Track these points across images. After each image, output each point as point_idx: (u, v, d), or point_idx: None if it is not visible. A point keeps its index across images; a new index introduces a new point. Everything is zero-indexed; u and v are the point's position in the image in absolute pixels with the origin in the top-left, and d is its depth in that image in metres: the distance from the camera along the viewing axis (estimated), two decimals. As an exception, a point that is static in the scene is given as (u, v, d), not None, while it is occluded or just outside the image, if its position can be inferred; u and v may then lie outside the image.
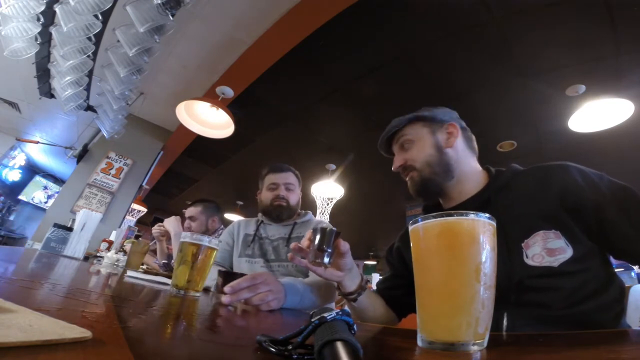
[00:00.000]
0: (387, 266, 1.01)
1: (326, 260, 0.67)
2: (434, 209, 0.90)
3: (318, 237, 0.68)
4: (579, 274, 0.63)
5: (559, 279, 0.63)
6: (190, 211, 2.11)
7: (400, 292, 0.92)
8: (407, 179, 0.88)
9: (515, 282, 0.65)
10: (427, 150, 0.85)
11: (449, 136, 0.86)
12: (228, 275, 0.76)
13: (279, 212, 1.39)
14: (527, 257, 0.66)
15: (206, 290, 1.07)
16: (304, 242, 0.71)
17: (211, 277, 1.08)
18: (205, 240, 0.79)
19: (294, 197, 1.44)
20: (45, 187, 6.74)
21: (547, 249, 0.64)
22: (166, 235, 2.01)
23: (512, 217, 0.70)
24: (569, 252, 0.63)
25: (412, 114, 0.90)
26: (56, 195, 6.12)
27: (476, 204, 0.78)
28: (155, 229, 2.01)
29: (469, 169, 0.85)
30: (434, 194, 0.86)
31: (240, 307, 0.69)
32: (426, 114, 0.89)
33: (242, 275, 0.75)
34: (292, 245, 0.72)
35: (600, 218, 0.63)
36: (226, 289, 0.68)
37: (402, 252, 0.93)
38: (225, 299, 0.67)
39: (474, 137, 0.91)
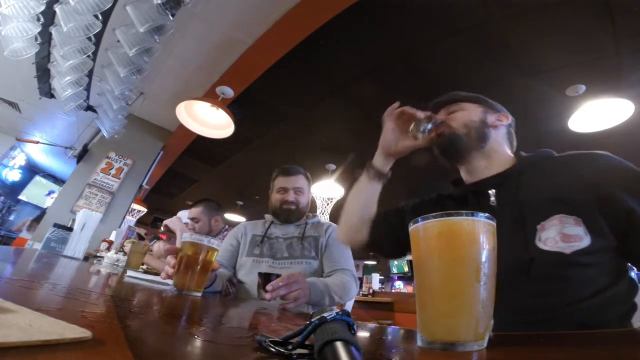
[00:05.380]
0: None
1: None
2: (457, 185, 0.88)
3: None
4: (591, 267, 0.60)
5: (568, 269, 0.60)
6: (192, 212, 2.11)
7: (399, 224, 0.87)
8: (435, 134, 0.82)
9: (523, 262, 0.63)
10: (471, 117, 0.83)
11: (497, 120, 0.86)
12: (267, 277, 0.88)
13: (288, 215, 1.43)
14: (539, 239, 0.63)
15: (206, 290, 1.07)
16: None
17: (210, 277, 1.08)
18: (205, 241, 0.79)
19: (304, 200, 1.48)
20: (52, 192, 6.66)
21: (562, 234, 0.61)
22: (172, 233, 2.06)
23: (532, 197, 0.68)
24: (585, 242, 0.60)
25: (475, 95, 0.90)
26: (54, 194, 6.12)
27: (497, 181, 0.76)
28: (165, 230, 2.07)
29: (501, 150, 0.83)
30: (459, 154, 0.82)
31: (240, 307, 0.69)
32: (488, 100, 0.89)
33: (278, 276, 0.88)
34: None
35: (632, 211, 0.59)
36: (268, 287, 0.83)
37: (406, 213, 0.89)
38: (267, 296, 0.83)
39: (515, 136, 0.90)
